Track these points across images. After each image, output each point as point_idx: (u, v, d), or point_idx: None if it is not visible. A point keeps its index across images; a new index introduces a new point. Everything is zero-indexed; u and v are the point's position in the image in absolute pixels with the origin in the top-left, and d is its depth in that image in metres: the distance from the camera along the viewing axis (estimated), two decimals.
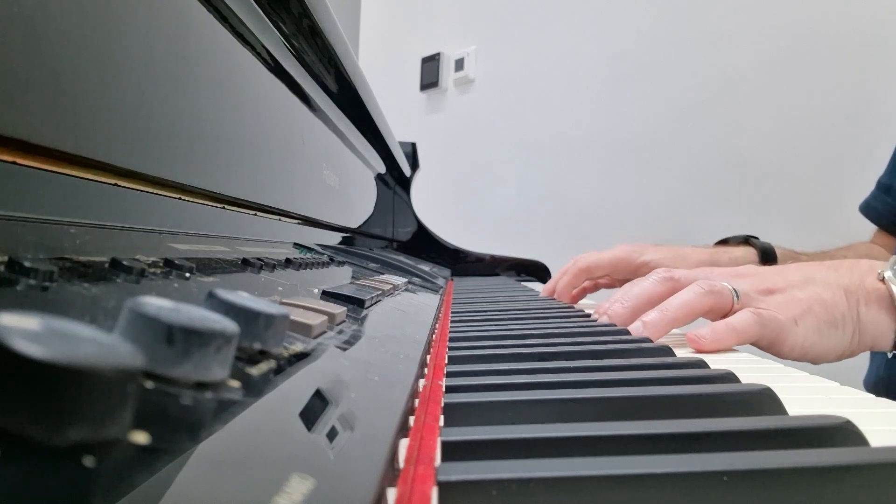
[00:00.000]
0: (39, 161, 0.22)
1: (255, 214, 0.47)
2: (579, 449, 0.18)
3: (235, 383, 0.14)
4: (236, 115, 0.42)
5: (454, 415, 0.22)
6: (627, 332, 0.44)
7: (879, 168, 0.90)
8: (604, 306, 0.51)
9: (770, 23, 1.29)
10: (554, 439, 0.18)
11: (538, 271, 1.32)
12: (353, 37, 2.35)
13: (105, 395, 0.09)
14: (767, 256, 0.77)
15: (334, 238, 0.77)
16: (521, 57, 1.78)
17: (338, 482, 0.12)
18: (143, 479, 0.09)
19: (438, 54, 2.01)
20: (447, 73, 2.00)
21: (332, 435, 0.14)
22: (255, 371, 0.16)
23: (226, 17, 0.41)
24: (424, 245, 1.33)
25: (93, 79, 0.25)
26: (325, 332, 0.25)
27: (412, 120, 2.08)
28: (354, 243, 0.90)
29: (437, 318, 0.48)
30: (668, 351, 0.36)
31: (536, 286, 1.09)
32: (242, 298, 0.17)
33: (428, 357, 0.32)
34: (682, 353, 0.35)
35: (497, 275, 1.32)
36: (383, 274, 0.64)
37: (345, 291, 0.38)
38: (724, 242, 0.83)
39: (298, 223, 0.60)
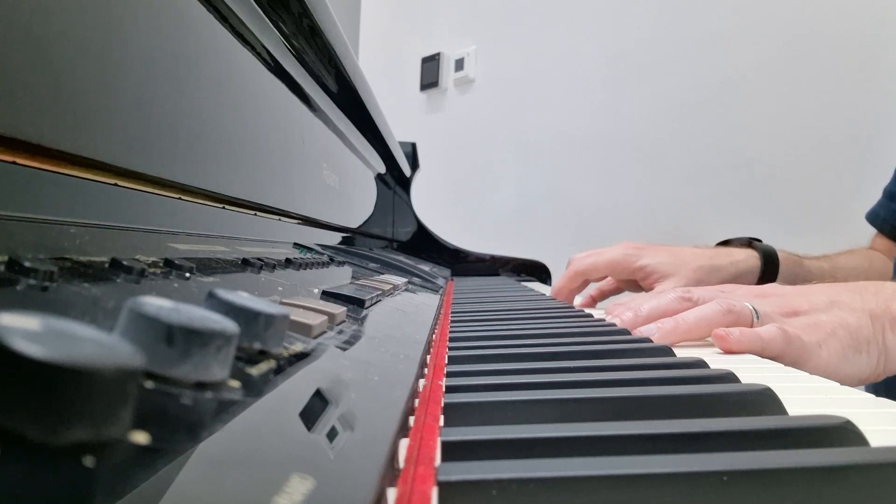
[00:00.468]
0: (39, 161, 0.22)
1: (255, 214, 0.47)
2: (579, 449, 0.18)
3: (235, 383, 0.14)
4: (236, 115, 0.42)
5: (454, 415, 0.22)
6: (627, 332, 0.44)
7: (880, 168, 0.90)
8: (617, 310, 0.51)
9: (770, 23, 1.29)
10: (554, 439, 0.18)
11: (538, 271, 1.32)
12: (353, 37, 2.35)
13: (105, 395, 0.09)
14: (769, 260, 0.75)
15: (334, 238, 0.77)
16: (521, 57, 1.78)
17: (338, 482, 0.12)
18: (143, 479, 0.09)
19: (438, 54, 2.01)
20: (447, 73, 2.00)
21: (332, 435, 0.14)
22: (255, 371, 0.16)
23: (226, 17, 0.41)
24: (424, 245, 1.33)
25: (93, 79, 0.25)
26: (325, 332, 0.25)
27: (412, 120, 2.08)
28: (354, 243, 0.90)
29: (437, 318, 0.48)
30: (668, 351, 0.36)
31: (537, 286, 1.09)
32: (242, 298, 0.17)
33: (428, 357, 0.32)
34: (682, 354, 0.35)
35: (497, 275, 1.32)
36: (383, 274, 0.64)
37: (345, 291, 0.38)
38: (725, 243, 0.82)
39: (298, 223, 0.60)
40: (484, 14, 1.90)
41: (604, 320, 0.50)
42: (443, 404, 0.23)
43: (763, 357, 0.41)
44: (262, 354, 0.17)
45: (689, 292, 0.49)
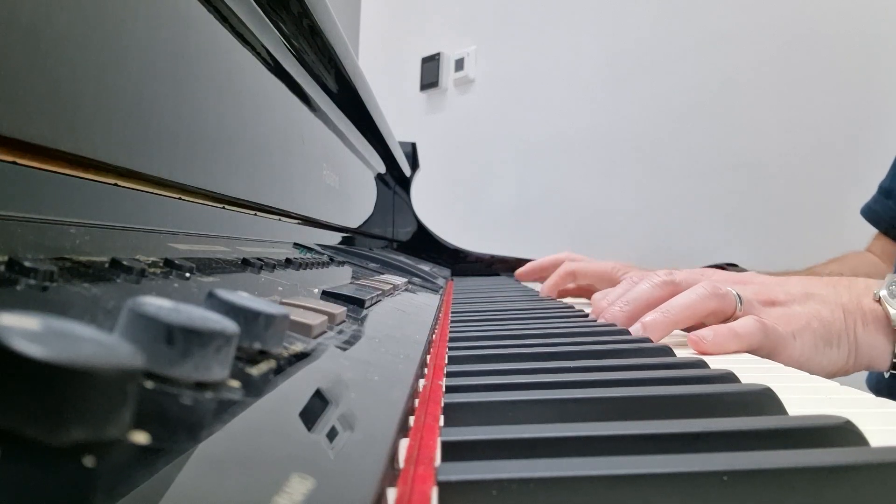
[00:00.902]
0: (39, 161, 0.22)
1: (255, 214, 0.47)
2: (579, 449, 0.18)
3: (235, 383, 0.14)
4: (236, 115, 0.42)
5: (454, 415, 0.22)
6: (627, 332, 0.44)
7: (880, 169, 0.90)
8: (601, 306, 0.51)
9: (770, 23, 1.29)
10: (554, 439, 0.18)
11: None
12: (353, 37, 2.35)
13: (105, 395, 0.09)
14: None
15: (334, 238, 0.77)
16: (521, 57, 1.78)
17: (338, 482, 0.12)
18: (143, 479, 0.09)
19: (438, 54, 2.01)
20: (447, 73, 2.00)
21: (332, 435, 0.14)
22: (255, 371, 0.16)
23: (226, 17, 0.41)
24: (424, 245, 1.33)
25: (93, 79, 0.25)
26: (325, 332, 0.25)
27: (412, 120, 2.08)
28: (354, 243, 0.90)
29: (437, 318, 0.48)
30: (667, 351, 0.36)
31: (536, 286, 1.09)
32: (242, 298, 0.17)
33: (428, 357, 0.32)
34: (682, 354, 0.35)
35: (497, 275, 1.32)
36: (383, 274, 0.64)
37: (345, 291, 0.38)
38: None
39: (298, 223, 0.60)
40: (484, 14, 1.90)
41: (597, 321, 0.50)
42: (443, 404, 0.23)
43: (741, 351, 0.42)
44: (262, 354, 0.17)
45: (672, 274, 0.49)
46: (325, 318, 0.25)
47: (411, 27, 2.17)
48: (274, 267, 0.36)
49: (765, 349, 0.42)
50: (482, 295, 0.80)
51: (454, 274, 1.28)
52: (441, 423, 0.21)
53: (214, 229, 0.37)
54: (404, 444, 0.18)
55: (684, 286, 0.47)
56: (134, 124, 0.28)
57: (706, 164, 1.38)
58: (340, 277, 0.49)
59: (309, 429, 0.14)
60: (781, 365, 0.37)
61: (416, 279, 0.76)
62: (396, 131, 1.11)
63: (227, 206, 0.41)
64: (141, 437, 0.10)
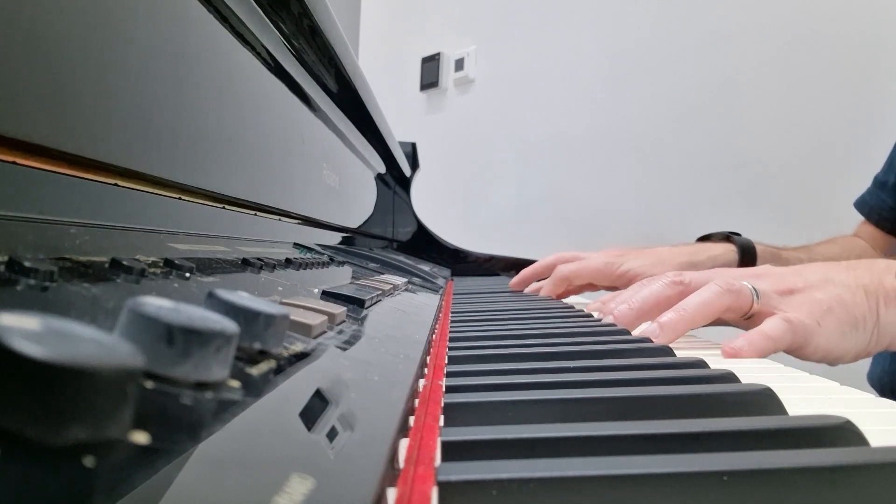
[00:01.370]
0: (39, 161, 0.22)
1: (255, 214, 0.47)
2: (579, 449, 0.18)
3: (235, 383, 0.14)
4: (236, 114, 0.42)
5: (454, 415, 0.22)
6: (627, 332, 0.44)
7: (878, 168, 0.90)
8: (609, 306, 0.51)
9: (770, 23, 1.29)
10: (554, 439, 0.18)
11: None
12: (353, 37, 2.35)
13: (105, 395, 0.09)
14: (747, 253, 0.77)
15: (334, 238, 0.77)
16: (521, 57, 1.78)
17: (338, 482, 0.12)
18: (143, 479, 0.09)
19: (438, 54, 2.01)
20: (447, 73, 2.00)
21: (332, 435, 0.14)
22: (255, 371, 0.16)
23: (226, 17, 0.41)
24: (424, 245, 1.33)
25: (93, 79, 0.25)
26: (325, 332, 0.25)
27: (412, 120, 2.08)
28: (354, 243, 0.90)
29: (437, 318, 0.48)
30: (668, 351, 0.36)
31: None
32: (242, 298, 0.17)
33: (428, 357, 0.32)
34: (688, 353, 0.35)
35: (497, 275, 1.32)
36: (383, 274, 0.64)
37: (345, 291, 0.38)
38: (706, 238, 0.84)
39: (298, 223, 0.60)
40: (484, 14, 1.90)
41: (603, 320, 0.50)
42: (443, 404, 0.23)
43: (777, 352, 0.41)
44: (262, 354, 0.17)
45: (681, 275, 0.48)
46: (325, 318, 0.25)
47: (411, 27, 2.17)
48: (274, 267, 0.36)
49: (795, 344, 0.41)
50: (482, 295, 0.80)
51: (454, 274, 1.28)
52: (441, 423, 0.21)
53: (214, 229, 0.37)
54: (404, 444, 0.18)
55: (694, 286, 0.46)
56: (134, 124, 0.28)
57: (706, 164, 1.38)
58: (340, 277, 0.49)
59: (309, 429, 0.14)
60: (781, 365, 0.37)
61: (416, 279, 0.76)
62: (396, 131, 1.11)
63: (227, 206, 0.41)
64: (141, 437, 0.10)
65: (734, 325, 0.48)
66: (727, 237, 0.80)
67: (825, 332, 0.42)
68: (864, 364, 0.85)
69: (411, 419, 0.20)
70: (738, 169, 1.33)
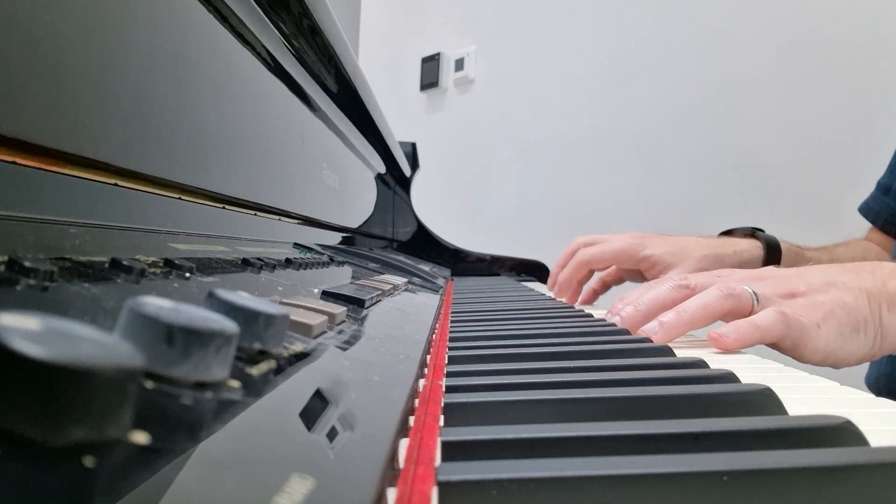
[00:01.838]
0: (39, 161, 0.22)
1: (255, 214, 0.47)
2: (579, 449, 0.18)
3: (235, 383, 0.14)
4: (236, 114, 0.42)
5: (454, 415, 0.22)
6: (627, 332, 0.44)
7: (880, 168, 0.90)
8: (616, 307, 0.51)
9: (770, 23, 1.29)
10: (554, 439, 0.18)
11: (538, 271, 1.32)
12: (353, 37, 2.35)
13: (105, 395, 0.09)
14: (772, 250, 0.76)
15: (334, 238, 0.77)
16: (521, 57, 1.78)
17: (338, 482, 0.12)
18: (143, 479, 0.09)
19: (438, 54, 2.01)
20: (447, 73, 2.00)
21: (332, 435, 0.14)
22: (255, 371, 0.16)
23: (226, 17, 0.41)
24: (424, 245, 1.33)
25: (93, 79, 0.25)
26: (325, 332, 0.25)
27: (412, 120, 2.08)
28: (354, 243, 0.90)
29: (437, 318, 0.48)
30: (668, 351, 0.36)
31: (536, 286, 1.09)
32: (242, 298, 0.17)
33: (428, 357, 0.32)
34: (688, 353, 0.35)
35: (497, 275, 1.32)
36: (383, 274, 0.64)
37: (345, 291, 0.38)
38: (728, 233, 0.82)
39: (298, 223, 0.60)
40: (484, 14, 1.90)
41: (603, 320, 0.50)
42: (443, 404, 0.23)
43: (763, 343, 0.41)
44: (262, 354, 0.17)
45: (686, 279, 0.49)
46: (325, 318, 0.25)
47: (411, 27, 2.17)
48: (274, 267, 0.36)
49: (788, 340, 0.41)
50: (482, 295, 0.80)
51: (454, 274, 1.28)
52: (441, 423, 0.21)
53: (214, 229, 0.37)
54: (404, 444, 0.18)
55: (699, 289, 0.47)
56: (134, 124, 0.28)
57: (706, 164, 1.38)
58: (340, 277, 0.49)
59: (309, 429, 0.14)
60: (781, 365, 0.37)
61: (416, 279, 0.76)
62: (396, 131, 1.11)
63: (227, 206, 0.41)
64: (141, 437, 0.10)
65: None
66: (752, 233, 0.79)
67: (825, 334, 0.42)
68: (861, 367, 0.85)
69: (411, 419, 0.20)
70: (738, 169, 1.33)
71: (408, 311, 0.45)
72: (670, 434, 0.19)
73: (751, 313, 0.44)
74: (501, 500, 0.15)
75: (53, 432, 0.09)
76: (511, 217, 1.78)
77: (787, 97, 1.26)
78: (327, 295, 0.36)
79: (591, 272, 0.78)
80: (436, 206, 1.57)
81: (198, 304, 0.15)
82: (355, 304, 0.36)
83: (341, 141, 0.80)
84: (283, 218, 0.55)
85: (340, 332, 0.27)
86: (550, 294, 0.81)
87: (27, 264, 0.16)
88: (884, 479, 0.16)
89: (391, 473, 0.15)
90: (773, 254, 0.76)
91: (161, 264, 0.24)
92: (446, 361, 0.32)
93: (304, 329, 0.23)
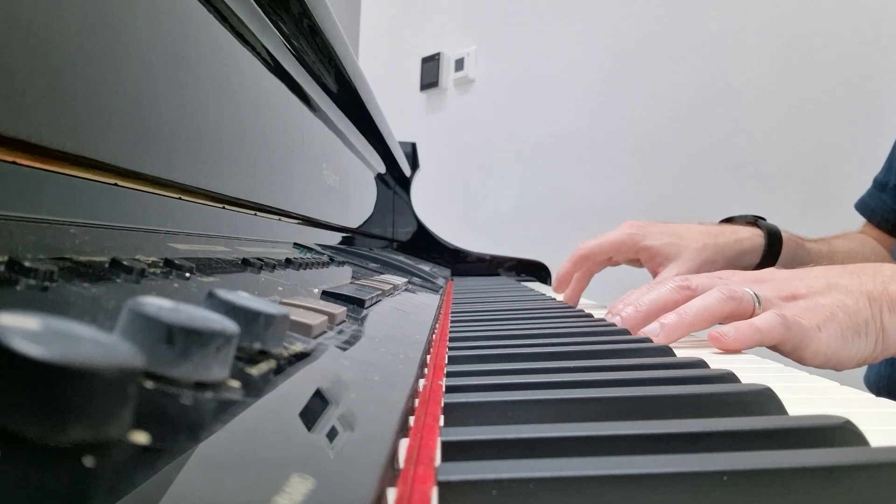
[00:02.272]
0: (39, 161, 0.22)
1: (255, 214, 0.47)
2: (579, 449, 0.18)
3: (235, 383, 0.14)
4: (236, 114, 0.42)
5: (454, 415, 0.22)
6: (627, 333, 0.44)
7: (879, 167, 0.90)
8: (617, 307, 0.51)
9: (770, 23, 1.29)
10: (554, 439, 0.18)
11: (538, 271, 1.32)
12: (353, 37, 2.35)
13: (105, 395, 0.09)
14: (773, 239, 0.75)
15: (334, 238, 0.77)
16: (521, 57, 1.78)
17: (338, 482, 0.12)
18: (143, 479, 0.09)
19: (438, 54, 2.01)
20: (447, 73, 2.00)
21: (332, 435, 0.14)
22: (255, 371, 0.16)
23: (226, 17, 0.41)
24: (424, 245, 1.33)
25: (93, 79, 0.25)
26: (325, 332, 0.25)
27: (412, 120, 2.08)
28: (354, 243, 0.90)
29: (437, 318, 0.48)
30: (668, 351, 0.36)
31: (536, 286, 1.09)
32: (242, 298, 0.17)
33: (428, 357, 0.32)
34: (688, 353, 0.35)
35: (497, 275, 1.32)
36: (383, 274, 0.64)
37: (345, 291, 0.38)
38: (729, 220, 0.81)
39: (298, 223, 0.60)
40: (484, 14, 1.90)
41: (603, 320, 0.50)
42: (443, 404, 0.23)
43: (764, 345, 0.41)
44: (262, 354, 0.17)
45: (688, 280, 0.49)
46: (325, 318, 0.25)
47: (411, 27, 2.17)
48: (274, 267, 0.36)
49: (789, 343, 0.41)
50: (482, 295, 0.80)
51: (454, 274, 1.28)
52: (441, 423, 0.21)
53: (214, 229, 0.37)
54: (404, 444, 0.18)
55: (700, 291, 0.47)
56: (134, 124, 0.28)
57: (706, 164, 1.38)
58: (340, 277, 0.49)
59: (309, 429, 0.14)
60: (781, 365, 0.37)
61: (416, 279, 0.76)
62: (396, 131, 1.11)
63: (227, 206, 0.41)
64: (141, 437, 0.10)
65: None
66: (753, 221, 0.77)
67: (825, 337, 0.42)
68: (861, 367, 0.85)
69: (411, 419, 0.20)
70: (738, 169, 1.33)
71: (408, 311, 0.45)
72: (670, 434, 0.19)
73: (752, 316, 0.44)
74: (501, 500, 0.15)
75: (53, 432, 0.09)
76: (511, 217, 1.79)
77: (787, 97, 1.26)
78: (327, 295, 0.36)
79: (591, 268, 0.77)
80: (436, 206, 1.57)
81: (198, 304, 0.15)
82: (355, 304, 0.36)
83: (341, 141, 0.80)
84: (283, 218, 0.55)
85: (340, 332, 0.27)
86: (551, 294, 0.81)
87: (27, 264, 0.16)
88: (884, 479, 0.16)
89: (391, 473, 0.15)
90: (774, 242, 0.74)
91: (161, 264, 0.24)
92: (446, 361, 0.32)
93: (304, 329, 0.23)
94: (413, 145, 1.39)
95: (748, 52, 1.31)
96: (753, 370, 0.35)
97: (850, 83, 1.19)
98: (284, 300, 0.27)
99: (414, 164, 1.39)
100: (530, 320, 0.51)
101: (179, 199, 0.34)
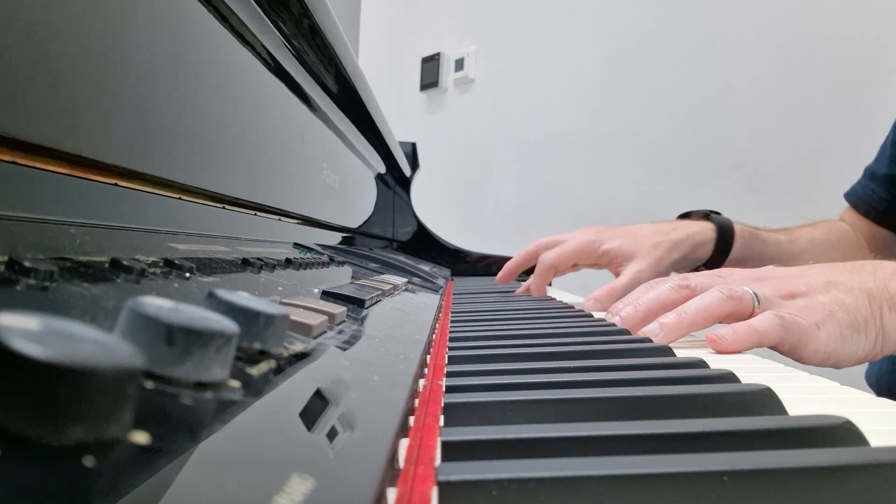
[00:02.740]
0: (39, 161, 0.22)
1: (255, 214, 0.47)
2: (579, 449, 0.18)
3: (235, 383, 0.14)
4: (236, 114, 0.42)
5: (454, 415, 0.22)
6: (627, 332, 0.44)
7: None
8: (616, 307, 0.51)
9: (770, 23, 1.29)
10: (554, 439, 0.18)
11: None
12: (353, 37, 2.35)
13: (105, 395, 0.09)
14: (724, 231, 0.77)
15: (334, 238, 0.77)
16: (521, 57, 1.78)
17: (338, 482, 0.12)
18: (143, 479, 0.09)
19: (438, 54, 2.01)
20: (447, 73, 2.00)
21: (332, 435, 0.14)
22: (255, 371, 0.16)
23: (226, 17, 0.41)
24: (424, 245, 1.33)
25: (93, 78, 0.25)
26: (325, 332, 0.25)
27: (412, 120, 2.08)
28: (354, 243, 0.90)
29: (437, 318, 0.48)
30: (668, 351, 0.36)
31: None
32: (242, 298, 0.17)
33: (428, 357, 0.32)
34: (688, 353, 0.35)
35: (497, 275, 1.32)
36: (383, 274, 0.64)
37: (345, 291, 0.38)
38: (686, 215, 0.84)
39: (298, 223, 0.60)
40: (484, 14, 1.90)
41: (603, 320, 0.50)
42: (443, 404, 0.23)
43: (762, 346, 0.41)
44: (262, 354, 0.17)
45: (687, 279, 0.49)
46: (325, 318, 0.25)
47: (411, 27, 2.17)
48: (274, 267, 0.36)
49: (787, 343, 0.41)
50: (482, 295, 0.80)
51: (454, 274, 1.28)
52: (441, 423, 0.21)
53: (214, 229, 0.37)
54: (404, 444, 0.18)
55: (699, 290, 0.47)
56: (134, 124, 0.28)
57: (706, 164, 1.38)
58: (340, 277, 0.49)
59: (309, 429, 0.14)
60: (781, 365, 0.37)
61: (416, 279, 0.76)
62: (396, 131, 1.11)
63: (227, 206, 0.41)
64: (141, 437, 0.10)
65: None
66: (706, 215, 0.81)
67: (825, 335, 0.42)
68: (862, 365, 0.85)
69: (411, 419, 0.20)
70: (738, 169, 1.33)
71: (408, 311, 0.45)
72: (670, 434, 0.19)
73: (751, 315, 0.44)
74: (501, 500, 0.15)
75: (53, 432, 0.09)
76: (511, 217, 1.78)
77: (787, 97, 1.26)
78: (327, 295, 0.36)
79: (555, 273, 0.80)
80: (436, 206, 1.57)
81: (198, 304, 0.15)
82: (355, 304, 0.36)
83: (341, 141, 0.80)
84: (283, 218, 0.55)
85: (340, 332, 0.27)
86: (551, 294, 0.82)
87: (27, 264, 0.16)
88: (884, 479, 0.16)
89: (391, 473, 0.15)
90: (724, 235, 0.77)
91: (161, 264, 0.24)
92: (446, 361, 0.32)
93: (304, 329, 0.23)
94: (413, 145, 1.39)
95: (748, 52, 1.31)
96: (753, 370, 0.35)
97: (850, 83, 1.19)
98: (284, 300, 0.27)
99: (414, 164, 1.39)
100: (530, 320, 0.51)
101: (179, 199, 0.34)
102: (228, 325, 0.13)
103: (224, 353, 0.13)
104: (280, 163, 0.53)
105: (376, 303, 0.41)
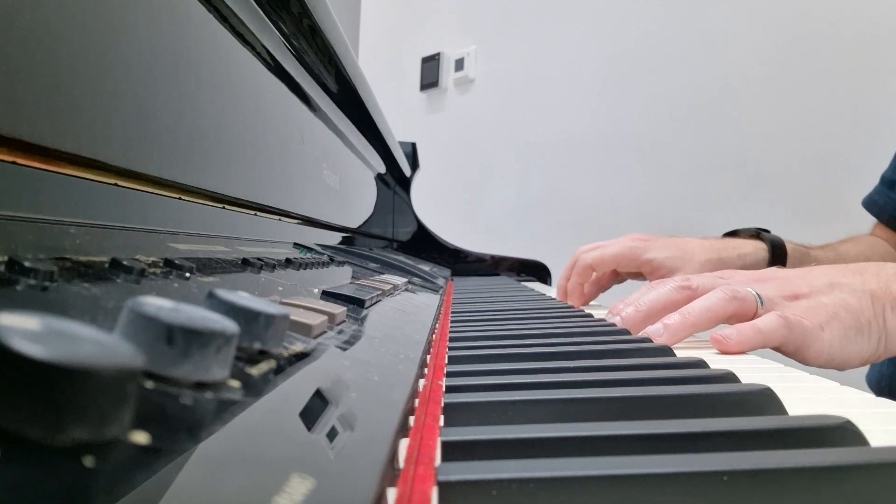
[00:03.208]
0: (39, 161, 0.22)
1: (255, 214, 0.47)
2: (579, 449, 0.18)
3: (235, 383, 0.14)
4: (236, 114, 0.42)
5: (454, 415, 0.22)
6: (627, 332, 0.44)
7: (882, 165, 0.90)
8: (618, 307, 0.51)
9: (770, 23, 1.29)
10: (554, 439, 0.18)
11: (538, 271, 1.32)
12: (353, 37, 2.35)
13: (105, 395, 0.09)
14: (777, 252, 0.75)
15: (334, 238, 0.77)
16: (521, 57, 1.78)
17: (338, 482, 0.12)
18: (143, 479, 0.09)
19: (438, 54, 2.01)
20: (447, 73, 2.00)
21: (332, 435, 0.14)
22: (255, 371, 0.16)
23: (226, 17, 0.41)
24: (424, 245, 1.33)
25: (93, 78, 0.25)
26: (325, 332, 0.25)
27: (412, 120, 2.08)
28: (354, 243, 0.90)
29: (437, 318, 0.48)
30: (668, 351, 0.36)
31: (536, 286, 1.09)
32: (242, 298, 0.17)
33: (428, 357, 0.32)
34: (689, 353, 0.35)
35: (497, 275, 1.32)
36: (383, 274, 0.64)
37: (345, 291, 0.38)
38: (733, 234, 0.81)
39: (298, 223, 0.60)
40: (484, 14, 1.90)
41: (604, 320, 0.50)
42: (443, 404, 0.23)
43: (766, 347, 0.41)
44: (262, 354, 0.17)
45: (688, 280, 0.48)
46: (325, 318, 0.25)
47: (411, 27, 2.17)
48: (274, 267, 0.36)
49: (791, 344, 0.41)
50: (482, 295, 0.80)
51: (454, 274, 1.28)
52: (441, 423, 0.21)
53: (214, 229, 0.37)
54: (404, 444, 0.18)
55: (701, 291, 0.47)
56: (134, 124, 0.28)
57: (706, 164, 1.38)
58: (340, 277, 0.49)
59: (309, 429, 0.14)
60: (781, 365, 0.37)
61: (416, 279, 0.76)
62: (396, 131, 1.11)
63: (227, 206, 0.41)
64: (141, 437, 0.10)
65: None
66: (756, 234, 0.78)
67: (828, 336, 0.42)
68: (862, 367, 0.85)
69: (411, 419, 0.20)
70: (738, 169, 1.33)
71: (408, 311, 0.45)
72: (670, 434, 0.19)
73: (755, 316, 0.44)
74: (501, 500, 0.15)
75: (53, 432, 0.09)
76: (511, 217, 1.79)
77: (788, 97, 1.26)
78: (327, 295, 0.36)
79: (600, 280, 0.78)
80: (436, 206, 1.57)
81: (198, 304, 0.15)
82: (355, 304, 0.36)
83: (341, 141, 0.80)
84: (283, 218, 0.55)
85: (340, 332, 0.27)
86: (551, 294, 0.81)
87: (27, 264, 0.16)
88: (884, 479, 0.16)
89: (391, 473, 0.15)
90: (778, 255, 0.75)
91: (161, 264, 0.24)
92: (446, 361, 0.32)
93: (304, 329, 0.23)
94: (413, 145, 1.39)
95: (748, 52, 1.31)
96: (754, 370, 0.35)
97: (851, 83, 1.19)
98: (284, 300, 0.27)
99: (414, 164, 1.39)
100: (530, 320, 0.51)
101: (179, 199, 0.34)
102: (228, 325, 0.13)
103: (224, 353, 0.13)
104: (280, 163, 0.53)
105: (376, 303, 0.41)
